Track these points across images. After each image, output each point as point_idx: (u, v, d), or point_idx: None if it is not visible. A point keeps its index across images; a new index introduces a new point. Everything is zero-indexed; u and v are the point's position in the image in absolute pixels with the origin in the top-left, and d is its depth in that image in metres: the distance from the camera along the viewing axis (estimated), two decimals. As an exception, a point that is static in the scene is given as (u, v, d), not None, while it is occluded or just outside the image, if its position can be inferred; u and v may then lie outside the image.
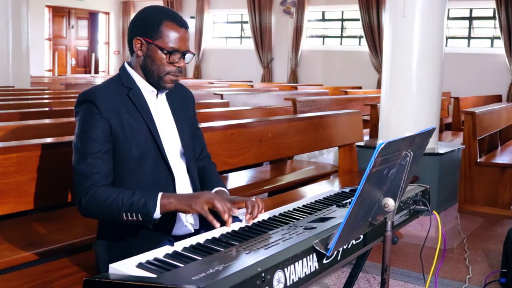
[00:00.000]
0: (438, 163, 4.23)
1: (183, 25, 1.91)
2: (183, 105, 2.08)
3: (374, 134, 5.48)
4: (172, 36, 1.88)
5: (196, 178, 2.06)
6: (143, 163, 1.88)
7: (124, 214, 1.75)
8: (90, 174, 1.79)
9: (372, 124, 5.72)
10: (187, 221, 1.98)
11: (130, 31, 1.93)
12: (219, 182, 2.10)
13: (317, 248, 1.50)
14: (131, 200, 1.74)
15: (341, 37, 12.83)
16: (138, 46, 1.90)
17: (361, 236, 1.79)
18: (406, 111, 4.24)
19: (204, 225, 1.95)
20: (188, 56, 1.93)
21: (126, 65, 1.97)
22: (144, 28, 1.89)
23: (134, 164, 1.87)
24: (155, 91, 1.97)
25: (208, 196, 1.77)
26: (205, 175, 2.14)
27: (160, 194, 1.76)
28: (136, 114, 1.89)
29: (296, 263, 1.43)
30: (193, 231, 1.97)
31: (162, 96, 2.01)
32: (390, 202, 1.71)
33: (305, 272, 1.46)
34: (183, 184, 2.00)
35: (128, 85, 1.92)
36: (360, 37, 12.31)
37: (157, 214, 1.75)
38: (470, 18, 11.21)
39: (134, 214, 1.74)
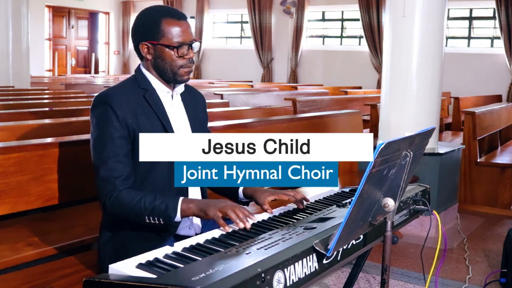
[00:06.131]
0: (438, 163, 4.23)
1: (181, 17, 1.93)
2: (196, 108, 2.11)
3: (374, 134, 5.46)
4: (174, 31, 1.89)
5: None
6: (157, 162, 1.89)
7: (146, 217, 1.79)
8: (111, 178, 1.81)
9: (372, 124, 5.72)
10: (194, 222, 1.99)
11: (134, 39, 1.95)
12: None
13: (317, 248, 1.50)
14: (152, 204, 1.78)
15: (341, 37, 12.83)
16: (146, 51, 1.92)
17: (361, 236, 1.79)
18: (406, 111, 4.23)
19: (206, 230, 1.95)
20: (195, 45, 1.94)
21: (141, 67, 1.98)
22: (145, 32, 1.91)
23: (149, 165, 1.88)
24: (170, 92, 1.99)
25: (222, 205, 1.77)
26: None
27: (180, 199, 1.79)
28: (152, 114, 1.91)
29: (296, 264, 1.43)
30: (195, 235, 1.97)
31: (177, 97, 2.03)
32: (390, 202, 1.71)
33: (305, 273, 1.46)
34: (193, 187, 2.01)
35: (144, 86, 1.94)
36: (360, 37, 12.30)
37: (177, 218, 1.78)
38: (470, 18, 11.21)
39: (156, 218, 1.78)
